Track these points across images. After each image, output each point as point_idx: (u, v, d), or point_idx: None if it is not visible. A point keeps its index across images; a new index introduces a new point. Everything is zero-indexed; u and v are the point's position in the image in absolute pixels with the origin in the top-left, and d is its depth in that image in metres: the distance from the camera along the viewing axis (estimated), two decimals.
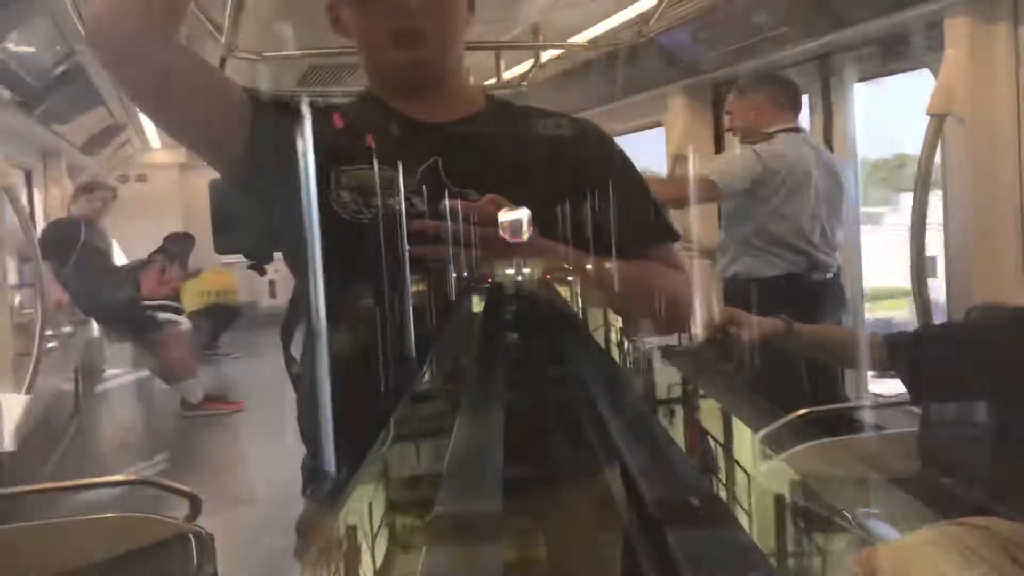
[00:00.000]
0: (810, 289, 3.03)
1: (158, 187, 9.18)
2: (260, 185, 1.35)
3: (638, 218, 1.44)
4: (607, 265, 1.36)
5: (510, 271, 1.43)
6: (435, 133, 1.37)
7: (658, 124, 4.92)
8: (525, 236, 1.28)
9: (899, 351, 2.08)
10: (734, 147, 3.56)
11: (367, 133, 1.36)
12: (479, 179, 1.31)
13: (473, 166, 1.35)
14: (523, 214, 1.28)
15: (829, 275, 3.16)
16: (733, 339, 2.00)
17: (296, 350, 1.54)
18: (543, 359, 1.35)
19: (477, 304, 1.46)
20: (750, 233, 3.16)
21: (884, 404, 2.72)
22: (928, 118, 2.69)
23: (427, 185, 1.31)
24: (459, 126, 1.39)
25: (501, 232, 1.28)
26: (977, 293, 2.66)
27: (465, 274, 1.37)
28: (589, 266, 1.38)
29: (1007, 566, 1.66)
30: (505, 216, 1.28)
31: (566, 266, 1.46)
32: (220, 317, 7.96)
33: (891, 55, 3.17)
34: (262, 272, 1.47)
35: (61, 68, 4.26)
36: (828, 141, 3.58)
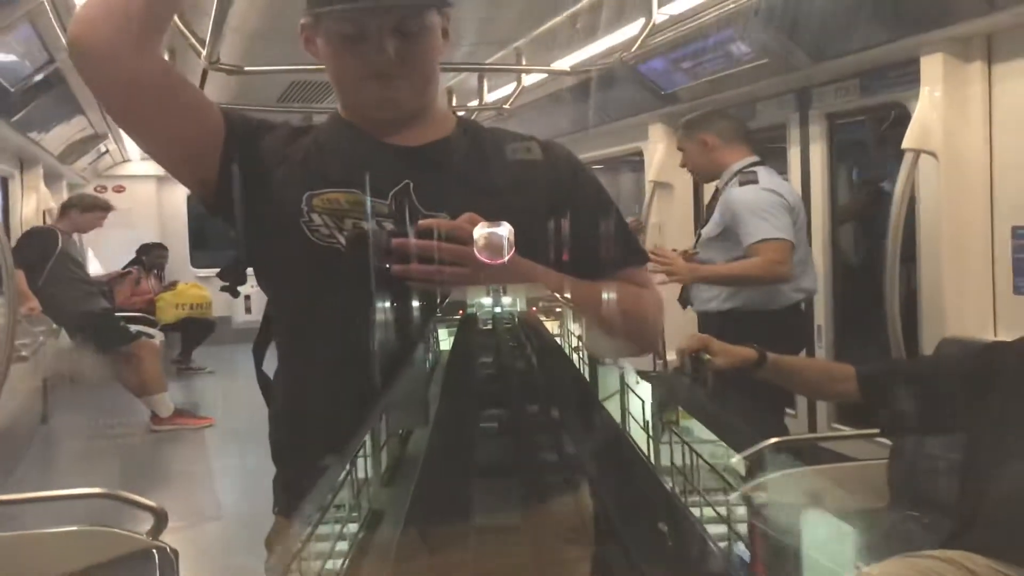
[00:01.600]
0: (786, 321, 3.02)
1: (136, 198, 9.12)
2: (232, 207, 1.34)
3: (609, 240, 1.44)
4: (581, 288, 1.34)
5: (486, 300, 1.37)
6: (406, 156, 1.37)
7: (638, 152, 4.96)
8: (505, 256, 1.24)
9: (871, 384, 2.09)
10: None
11: (338, 155, 1.36)
12: (450, 202, 1.30)
13: (444, 189, 1.34)
14: (503, 231, 1.22)
15: (803, 304, 3.16)
16: (705, 365, 2.01)
17: (269, 367, 1.53)
18: (521, 401, 1.33)
19: (445, 338, 1.38)
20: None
21: (855, 435, 2.74)
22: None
23: (398, 209, 1.31)
24: (431, 149, 1.39)
25: (477, 253, 1.24)
26: (950, 327, 2.69)
27: (427, 303, 1.31)
28: (567, 292, 1.36)
29: None
30: (482, 232, 1.23)
31: (556, 294, 1.43)
32: (194, 331, 7.90)
33: (868, 89, 3.21)
34: (235, 294, 1.43)
35: (40, 76, 4.24)
36: (805, 172, 3.61)
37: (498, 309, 1.40)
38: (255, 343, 1.49)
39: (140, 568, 2.35)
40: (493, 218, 1.22)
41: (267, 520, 1.50)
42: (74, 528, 2.48)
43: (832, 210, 3.52)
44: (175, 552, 2.41)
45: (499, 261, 1.23)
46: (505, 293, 1.40)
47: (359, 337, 1.28)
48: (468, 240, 1.22)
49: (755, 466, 2.42)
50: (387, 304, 1.30)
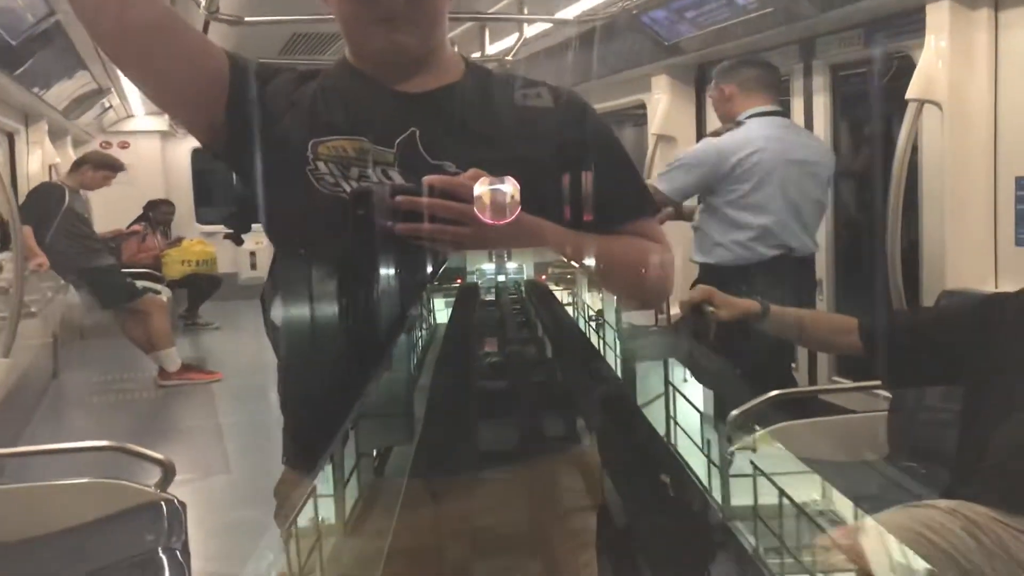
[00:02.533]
0: (784, 273, 3.00)
1: (140, 154, 9.11)
2: (238, 154, 1.34)
3: (621, 190, 1.40)
4: (591, 243, 1.31)
5: (488, 266, 1.30)
6: (412, 103, 1.34)
7: (641, 104, 4.92)
8: (510, 215, 1.15)
9: (873, 336, 2.10)
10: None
11: (344, 102, 1.34)
12: (456, 150, 1.27)
13: (450, 137, 1.31)
14: (507, 187, 1.14)
15: (804, 259, 3.13)
16: (709, 318, 2.02)
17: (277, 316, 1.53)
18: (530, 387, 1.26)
19: (441, 310, 1.30)
20: (721, 222, 3.13)
21: (855, 388, 2.75)
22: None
23: (404, 158, 1.29)
24: (438, 95, 1.35)
25: (479, 212, 1.16)
26: (950, 279, 2.68)
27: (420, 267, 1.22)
28: (575, 249, 1.31)
29: (970, 547, 1.69)
30: (484, 189, 1.15)
31: (567, 259, 1.36)
32: (200, 287, 7.94)
33: (873, 40, 3.17)
34: (239, 242, 1.42)
35: (41, 27, 4.21)
36: (808, 124, 3.59)
37: (502, 277, 1.32)
38: (263, 292, 1.48)
39: (149, 520, 2.38)
40: (501, 167, 1.17)
41: (275, 473, 1.51)
42: (83, 480, 2.51)
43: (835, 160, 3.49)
44: (183, 504, 2.44)
45: (503, 221, 1.16)
46: (510, 258, 1.32)
47: (362, 288, 1.28)
48: (470, 198, 1.16)
49: (756, 418, 2.42)
50: (388, 261, 1.27)
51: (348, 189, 1.27)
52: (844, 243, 3.53)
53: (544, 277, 1.35)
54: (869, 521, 1.77)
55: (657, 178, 3.22)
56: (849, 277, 3.46)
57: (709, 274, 3.05)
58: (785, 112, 3.27)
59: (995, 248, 2.60)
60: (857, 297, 3.37)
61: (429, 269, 1.26)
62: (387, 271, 1.30)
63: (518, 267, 1.34)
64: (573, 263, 1.37)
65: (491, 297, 1.33)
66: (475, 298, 1.30)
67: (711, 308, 2.01)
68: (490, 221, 1.16)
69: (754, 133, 3.12)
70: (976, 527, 1.72)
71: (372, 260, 1.23)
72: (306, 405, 1.37)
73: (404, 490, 1.34)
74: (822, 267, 3.40)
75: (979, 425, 1.92)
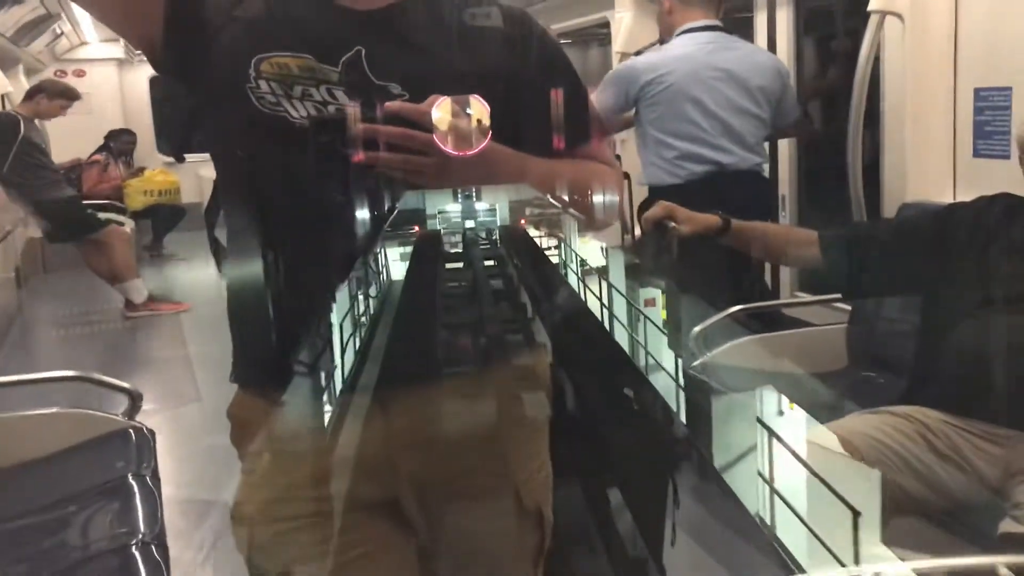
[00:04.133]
0: (722, 190, 2.98)
1: (97, 83, 8.90)
2: (179, 69, 1.31)
3: (572, 113, 1.36)
4: (544, 167, 1.28)
5: (453, 207, 1.16)
6: (358, 21, 1.31)
7: (605, 22, 4.86)
8: (476, 145, 1.02)
9: (832, 247, 2.12)
10: None
11: (288, 17, 1.31)
12: (403, 71, 1.23)
13: (396, 57, 1.27)
14: (475, 110, 1.00)
15: (742, 173, 3.12)
16: (670, 233, 2.02)
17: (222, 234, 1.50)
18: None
19: (398, 263, 1.14)
20: (648, 142, 3.11)
21: (814, 301, 2.79)
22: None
23: (349, 77, 1.25)
24: (385, 13, 1.32)
25: (439, 141, 1.03)
26: (911, 191, 2.71)
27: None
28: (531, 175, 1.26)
29: (923, 449, 1.73)
30: (442, 114, 1.00)
31: (545, 193, 1.27)
32: (164, 217, 7.84)
33: None
34: (180, 160, 1.38)
35: None
36: (772, 40, 3.56)
37: (470, 223, 1.18)
38: (206, 208, 1.46)
39: (118, 448, 2.39)
40: (446, 89, 1.06)
41: None
42: (51, 411, 2.51)
43: (799, 78, 3.48)
44: (151, 432, 2.45)
45: (468, 152, 1.04)
46: (479, 198, 1.18)
47: (304, 208, 1.26)
48: (429, 126, 1.05)
49: (718, 333, 2.44)
50: (345, 191, 1.22)
51: (290, 108, 1.25)
52: (807, 160, 3.54)
53: (524, 221, 1.26)
54: (823, 427, 1.80)
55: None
56: (812, 193, 3.48)
57: (654, 195, 3.05)
58: (725, 26, 3.21)
59: (954, 160, 2.61)
60: (820, 213, 3.40)
61: (387, 206, 1.15)
62: (342, 199, 1.27)
63: (490, 208, 1.21)
64: (554, 201, 1.32)
65: (458, 249, 1.21)
66: (438, 252, 1.20)
67: (672, 224, 2.01)
68: (453, 152, 1.03)
69: (670, 54, 3.10)
70: (929, 431, 1.77)
71: (330, 188, 1.20)
72: (252, 324, 1.36)
73: (368, 406, 1.35)
74: (785, 183, 3.41)
75: (933, 333, 1.96)
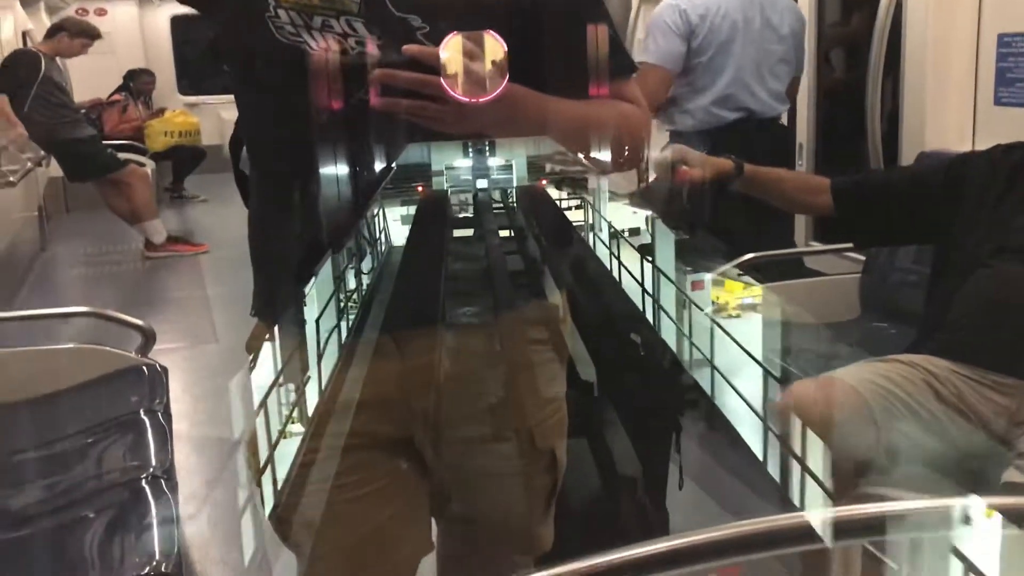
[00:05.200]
0: (747, 136, 2.97)
1: (118, 22, 8.85)
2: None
3: (600, 47, 1.35)
4: (569, 109, 1.21)
5: (462, 163, 1.03)
6: None
7: None
8: (492, 90, 0.92)
9: (844, 195, 2.10)
10: None
11: None
12: (425, 3, 1.18)
13: None
14: (491, 50, 0.89)
15: (766, 121, 3.07)
16: (681, 178, 2.00)
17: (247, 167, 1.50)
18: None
19: (399, 225, 1.02)
20: (685, 86, 3.05)
21: (829, 250, 2.77)
22: None
23: (369, 8, 1.23)
24: None
25: (449, 86, 0.93)
26: (930, 139, 2.67)
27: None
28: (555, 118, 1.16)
29: (929, 398, 1.73)
30: (451, 54, 0.90)
31: (570, 147, 1.16)
32: (184, 159, 7.85)
33: None
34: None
35: None
36: None
37: (483, 182, 1.04)
38: (230, 141, 1.45)
39: (131, 384, 2.43)
40: (469, 23, 0.97)
41: None
42: (67, 346, 2.55)
43: (819, 25, 3.40)
44: (164, 369, 2.48)
45: (482, 98, 0.94)
46: (491, 152, 1.04)
47: (319, 146, 1.25)
48: (437, 67, 0.96)
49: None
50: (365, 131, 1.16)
51: (309, 40, 1.23)
52: (826, 108, 3.48)
53: (544, 182, 1.12)
54: (830, 374, 1.79)
55: (642, 55, 3.12)
56: (830, 142, 3.43)
57: (678, 141, 3.02)
58: None
59: (974, 108, 2.57)
60: (838, 161, 3.35)
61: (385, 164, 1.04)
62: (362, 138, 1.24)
63: (505, 164, 1.06)
64: (580, 156, 1.21)
65: (468, 213, 1.09)
66: (443, 216, 1.09)
67: (684, 168, 1.99)
68: (464, 98, 0.93)
69: None
70: (936, 379, 1.76)
71: (330, 117, 1.18)
72: (273, 257, 1.37)
73: (375, 344, 1.36)
74: (803, 131, 3.37)
75: (945, 283, 1.94)
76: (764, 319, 2.37)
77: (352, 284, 1.12)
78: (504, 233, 1.04)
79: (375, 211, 1.08)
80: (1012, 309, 1.81)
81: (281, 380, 1.29)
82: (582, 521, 1.97)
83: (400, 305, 1.37)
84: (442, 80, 0.93)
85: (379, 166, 1.09)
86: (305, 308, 1.04)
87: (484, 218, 1.04)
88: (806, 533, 0.74)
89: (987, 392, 1.76)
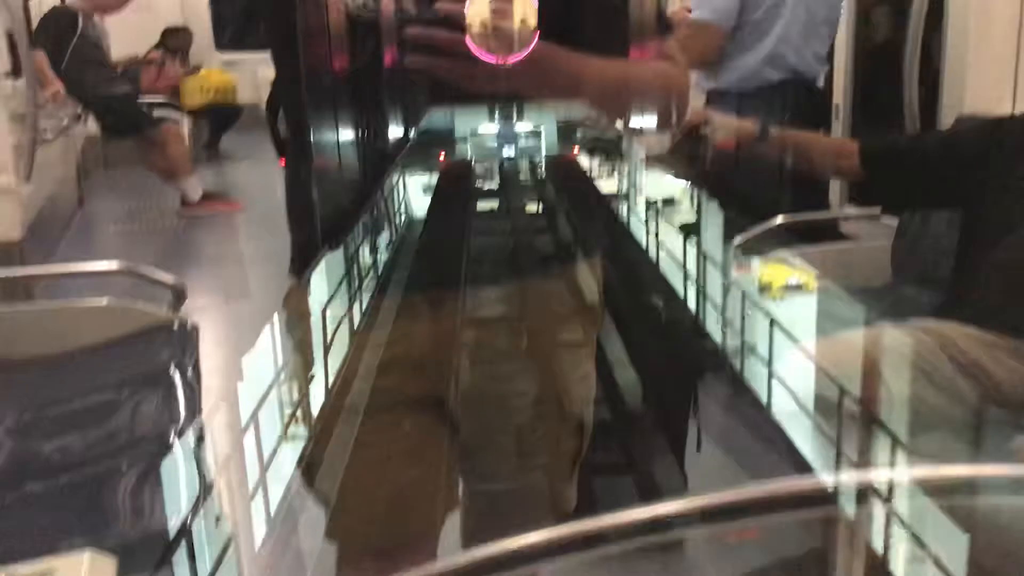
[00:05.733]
0: (789, 98, 2.93)
1: None
2: None
3: (636, 8, 1.28)
4: (608, 70, 1.15)
5: (488, 128, 0.96)
6: None
7: None
8: (520, 48, 0.87)
9: (873, 158, 2.07)
10: None
11: None
12: None
13: None
14: (519, 5, 0.83)
15: (809, 83, 3.06)
16: (705, 140, 1.99)
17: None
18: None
19: (421, 196, 0.96)
20: (736, 44, 3.01)
21: (860, 215, 2.73)
22: None
23: None
24: None
25: (475, 45, 0.88)
26: (969, 101, 2.61)
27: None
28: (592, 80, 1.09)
29: (943, 364, 1.71)
30: (478, 7, 0.84)
31: (606, 111, 1.11)
32: (220, 117, 7.88)
33: None
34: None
35: None
36: None
37: (509, 151, 0.96)
38: (267, 102, 1.46)
39: (162, 340, 2.46)
40: None
41: None
42: (101, 303, 2.59)
43: None
44: (195, 326, 2.51)
45: (510, 58, 0.90)
46: (520, 116, 0.97)
47: (368, 106, 1.24)
48: (460, 25, 0.91)
49: (764, 242, 2.42)
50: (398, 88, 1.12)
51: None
52: (863, 69, 3.42)
53: (576, 151, 1.07)
54: (844, 335, 1.78)
55: (697, 10, 3.07)
56: (867, 104, 3.36)
57: (715, 101, 2.98)
58: None
59: (1016, 71, 2.50)
60: (873, 124, 3.29)
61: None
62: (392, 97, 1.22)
63: (534, 129, 0.99)
64: (617, 120, 1.14)
65: (493, 185, 1.03)
66: (467, 188, 1.05)
67: (707, 131, 1.97)
68: (490, 58, 0.88)
69: None
70: (952, 344, 1.75)
71: (369, 73, 1.15)
72: (307, 216, 1.37)
73: (401, 305, 1.37)
74: (840, 92, 3.31)
75: (974, 249, 1.91)
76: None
77: (368, 260, 1.08)
78: (532, 208, 0.96)
79: (395, 180, 1.03)
80: None
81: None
82: (604, 483, 1.98)
83: (423, 270, 1.37)
84: (467, 39, 0.88)
85: (398, 133, 1.06)
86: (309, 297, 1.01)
87: (511, 191, 0.97)
88: (822, 496, 0.74)
89: (1003, 357, 1.74)
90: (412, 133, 0.97)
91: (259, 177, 7.19)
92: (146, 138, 5.86)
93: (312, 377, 1.27)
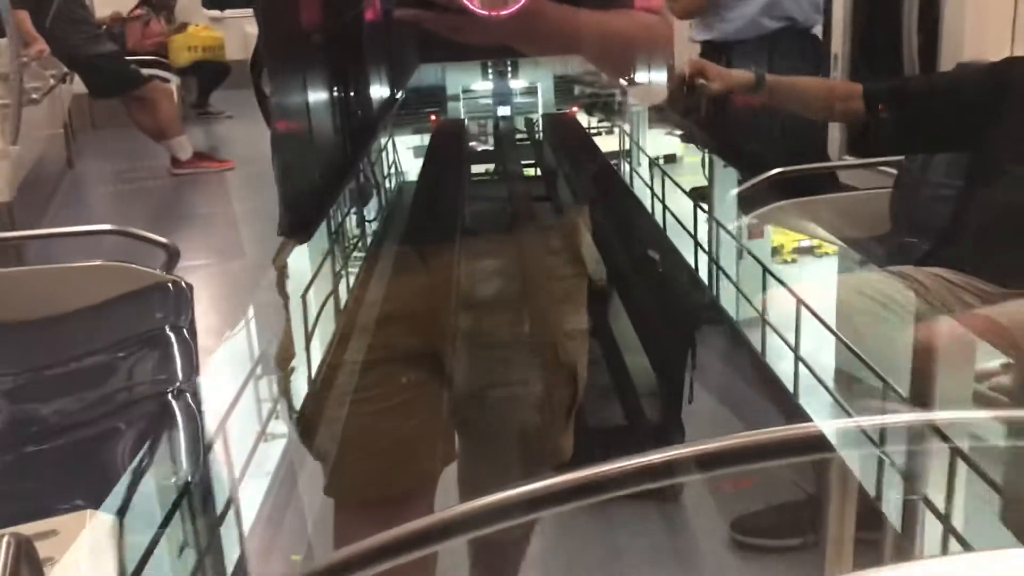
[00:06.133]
0: (786, 46, 2.92)
1: None
2: None
3: None
4: (593, 23, 1.15)
5: (482, 86, 0.95)
6: None
7: None
8: (512, 3, 0.84)
9: (877, 100, 2.04)
10: None
11: None
12: None
13: None
14: None
15: (806, 31, 3.03)
16: (700, 92, 1.96)
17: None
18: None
19: (414, 152, 0.91)
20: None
21: (859, 164, 2.71)
22: None
23: None
24: None
25: (466, 1, 0.84)
26: (968, 48, 2.58)
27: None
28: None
29: (949, 300, 1.72)
30: None
31: (604, 65, 1.13)
32: (209, 74, 7.78)
33: None
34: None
35: None
36: None
37: (504, 110, 0.94)
38: (251, 61, 1.43)
39: (156, 301, 2.44)
40: None
41: None
42: (94, 264, 2.57)
43: None
44: (189, 286, 2.49)
45: (502, 11, 0.88)
46: (515, 74, 0.96)
47: (354, 65, 1.22)
48: None
49: (762, 194, 2.41)
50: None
51: None
52: (862, 17, 3.37)
53: (575, 109, 1.02)
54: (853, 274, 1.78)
55: None
56: (866, 52, 3.33)
57: (710, 52, 2.95)
58: None
59: (1014, 16, 2.47)
60: (872, 72, 3.26)
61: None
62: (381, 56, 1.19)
63: (529, 87, 0.97)
64: (614, 74, 1.11)
65: (488, 146, 0.99)
66: (461, 149, 1.03)
67: (702, 81, 1.94)
68: (482, 11, 0.86)
69: None
70: (922, 287, 1.75)
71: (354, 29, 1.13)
72: (296, 174, 1.36)
73: (396, 259, 1.36)
74: (838, 41, 3.27)
75: (972, 192, 1.91)
76: None
77: (356, 231, 1.04)
78: (530, 171, 0.86)
79: (383, 142, 1.01)
80: (1020, 216, 1.77)
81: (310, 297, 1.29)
82: (600, 433, 1.99)
83: (422, 215, 1.35)
84: None
85: (384, 92, 1.01)
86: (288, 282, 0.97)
87: (506, 152, 0.92)
88: (816, 443, 0.74)
89: (969, 298, 1.75)
90: (399, 93, 0.94)
91: (249, 134, 7.11)
92: (134, 97, 5.79)
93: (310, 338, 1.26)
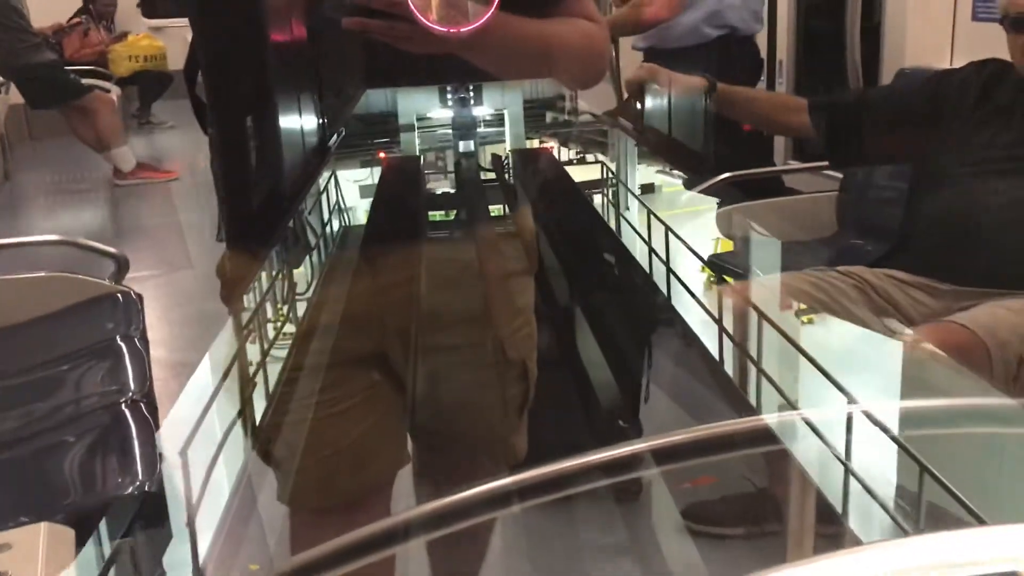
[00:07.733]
0: (727, 54, 2.96)
1: None
2: None
3: None
4: (529, 28, 1.13)
5: (441, 114, 0.79)
6: None
7: None
8: (474, 18, 0.77)
9: (821, 114, 2.09)
10: None
11: None
12: None
13: None
14: None
15: (746, 39, 3.08)
16: (652, 96, 1.99)
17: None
18: None
19: (360, 191, 0.87)
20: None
21: (805, 168, 2.77)
22: None
23: None
24: None
25: (418, 11, 0.78)
26: (910, 55, 2.65)
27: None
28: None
29: (859, 306, 1.77)
30: None
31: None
32: (151, 84, 7.65)
33: None
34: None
35: None
36: None
37: (467, 144, 0.81)
38: (185, 67, 1.41)
39: (106, 311, 2.40)
40: None
41: None
42: (40, 275, 2.51)
43: None
44: (139, 296, 2.45)
45: (461, 28, 0.81)
46: (479, 100, 0.83)
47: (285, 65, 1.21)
48: None
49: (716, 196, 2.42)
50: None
51: None
52: (806, 24, 3.45)
53: (551, 145, 0.88)
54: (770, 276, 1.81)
55: None
56: (810, 59, 3.40)
57: (651, 59, 2.99)
58: None
59: (953, 24, 2.55)
60: (817, 79, 3.33)
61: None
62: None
63: (495, 114, 0.85)
64: (579, 85, 1.09)
65: (448, 187, 0.88)
66: (415, 194, 0.93)
67: (655, 86, 1.97)
68: (438, 27, 0.79)
69: None
70: (868, 285, 1.80)
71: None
72: (234, 181, 1.34)
73: (354, 263, 1.36)
74: (783, 48, 3.34)
75: (917, 198, 1.96)
76: None
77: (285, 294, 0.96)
78: (497, 211, 0.84)
79: (323, 183, 0.90)
80: (968, 220, 1.83)
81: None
82: (556, 432, 1.99)
83: (379, 222, 1.36)
84: (410, 2, 0.80)
85: (322, 120, 0.90)
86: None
87: (470, 197, 0.82)
88: (764, 435, 0.75)
89: (917, 294, 1.81)
90: (335, 135, 0.85)
91: (193, 144, 7.02)
92: (75, 107, 5.67)
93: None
